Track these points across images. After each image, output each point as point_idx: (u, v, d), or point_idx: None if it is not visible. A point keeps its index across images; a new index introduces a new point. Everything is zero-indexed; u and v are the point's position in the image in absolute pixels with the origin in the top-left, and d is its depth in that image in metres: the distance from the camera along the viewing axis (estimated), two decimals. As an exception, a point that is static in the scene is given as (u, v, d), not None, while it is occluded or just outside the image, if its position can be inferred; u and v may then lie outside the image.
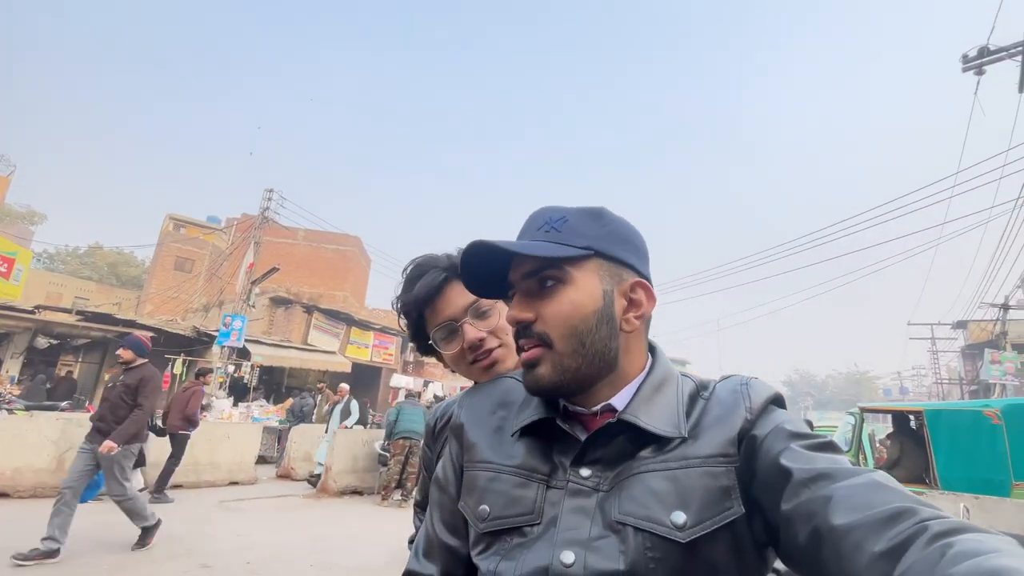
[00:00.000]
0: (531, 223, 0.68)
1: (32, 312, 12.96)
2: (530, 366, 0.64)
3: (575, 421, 0.65)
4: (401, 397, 11.26)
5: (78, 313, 13.89)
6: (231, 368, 13.33)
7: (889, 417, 6.84)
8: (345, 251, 26.26)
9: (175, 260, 29.66)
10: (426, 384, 16.35)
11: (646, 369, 0.67)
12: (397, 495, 7.36)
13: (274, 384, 17.28)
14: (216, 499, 6.56)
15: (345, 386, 9.49)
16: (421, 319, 0.95)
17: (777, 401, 0.62)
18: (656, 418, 0.60)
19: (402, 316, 0.98)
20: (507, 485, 0.63)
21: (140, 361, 4.39)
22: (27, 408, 7.75)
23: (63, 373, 13.75)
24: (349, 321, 19.05)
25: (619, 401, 0.63)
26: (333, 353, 17.54)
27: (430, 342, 0.96)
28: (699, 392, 0.65)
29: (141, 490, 6.36)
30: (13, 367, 12.70)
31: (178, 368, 13.14)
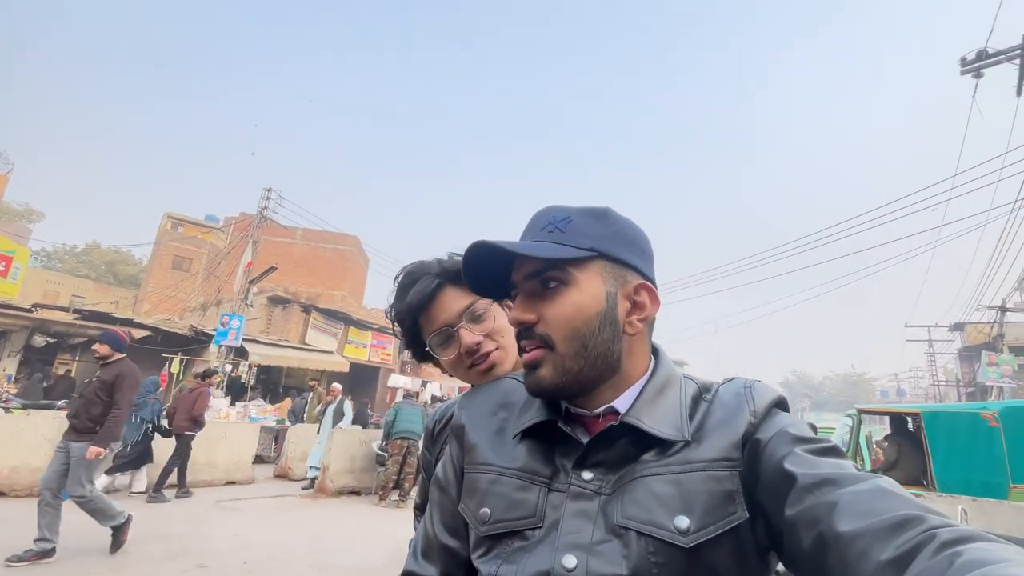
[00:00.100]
0: (534, 223, 0.67)
1: (29, 310, 12.92)
2: (532, 367, 0.64)
3: (577, 423, 0.65)
4: (399, 397, 11.25)
5: (75, 312, 13.85)
6: (228, 367, 13.30)
7: (886, 419, 6.85)
8: (343, 251, 26.24)
9: (173, 259, 29.59)
10: (424, 384, 16.32)
11: (649, 371, 0.66)
12: (395, 495, 7.35)
13: (271, 384, 17.24)
14: (213, 499, 6.54)
15: (337, 386, 9.24)
16: (416, 326, 0.95)
17: (781, 404, 0.62)
18: (659, 421, 0.60)
19: (396, 324, 0.98)
20: (508, 488, 0.62)
21: (117, 356, 4.22)
22: (24, 407, 7.74)
23: (61, 372, 13.71)
24: (347, 321, 19.03)
25: (622, 404, 0.63)
26: (331, 353, 17.52)
27: (426, 349, 0.95)
28: (702, 395, 0.64)
29: (142, 492, 6.42)
30: (10, 365, 12.66)
31: (175, 367, 13.11)
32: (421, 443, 1.10)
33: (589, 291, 0.62)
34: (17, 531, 4.03)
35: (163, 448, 6.60)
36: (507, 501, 0.61)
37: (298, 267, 24.16)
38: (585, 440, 0.61)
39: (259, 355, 14.24)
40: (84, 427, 3.96)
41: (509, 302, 0.99)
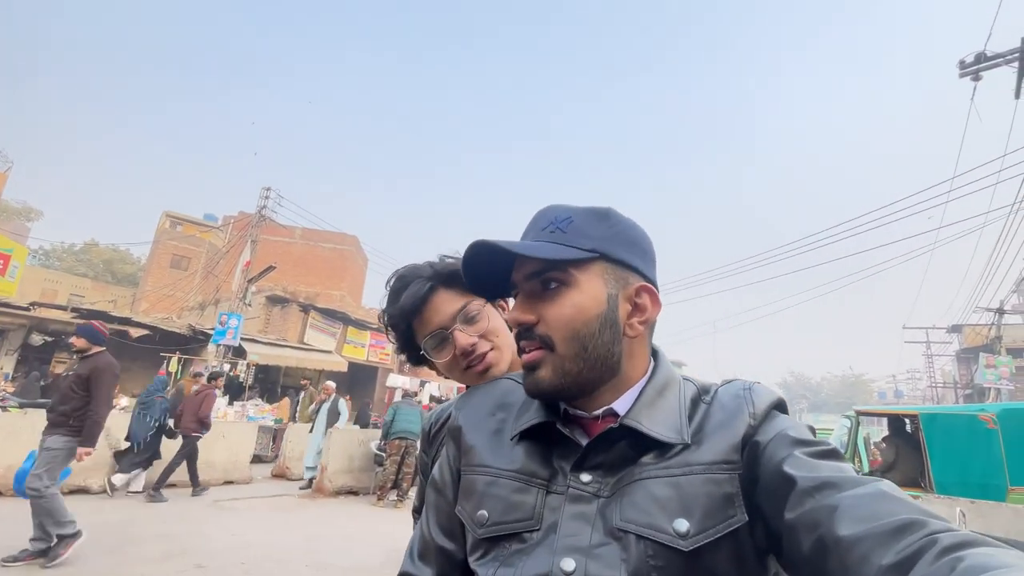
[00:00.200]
0: (536, 222, 0.66)
1: (27, 309, 12.89)
2: (531, 368, 0.63)
3: (576, 425, 0.64)
4: (398, 397, 11.23)
5: (73, 310, 13.82)
6: (227, 367, 13.27)
7: (884, 420, 6.86)
8: (342, 250, 26.22)
9: (171, 258, 29.55)
10: (422, 384, 16.32)
11: (648, 373, 0.66)
12: (393, 495, 7.34)
13: (269, 383, 17.21)
14: (211, 498, 6.53)
15: (331, 384, 9.11)
16: (410, 330, 0.94)
17: (780, 407, 0.62)
18: (658, 423, 0.59)
19: (390, 329, 0.97)
20: (506, 490, 0.62)
21: (96, 349, 4.08)
22: (21, 405, 7.72)
23: (59, 371, 13.68)
24: (346, 320, 19.01)
25: (621, 406, 0.62)
26: (329, 352, 17.51)
27: (422, 352, 0.95)
28: (701, 397, 0.64)
29: (139, 492, 6.42)
30: (7, 364, 12.63)
31: (173, 366, 13.08)
32: (419, 444, 1.10)
33: (590, 293, 0.62)
34: (14, 531, 4.02)
35: (167, 447, 6.66)
36: (505, 503, 0.61)
37: (297, 266, 24.14)
38: (584, 442, 0.61)
39: (257, 354, 14.22)
40: (56, 420, 3.81)
41: (503, 302, 0.98)
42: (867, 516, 0.45)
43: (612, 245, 0.64)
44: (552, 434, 0.63)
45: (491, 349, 0.91)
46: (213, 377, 7.60)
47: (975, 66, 8.28)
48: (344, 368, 16.76)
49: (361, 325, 19.29)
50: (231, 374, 13.44)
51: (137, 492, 6.34)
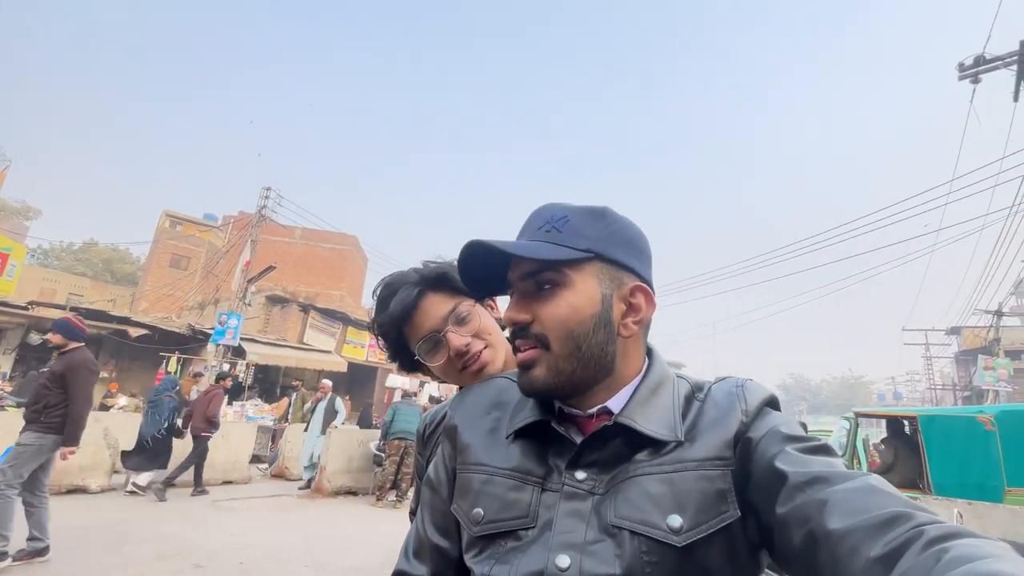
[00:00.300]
0: (532, 221, 0.67)
1: (25, 308, 12.89)
2: (525, 367, 0.64)
3: (570, 423, 0.65)
4: (397, 397, 11.21)
5: (72, 309, 13.80)
6: (226, 366, 13.27)
7: (883, 422, 6.87)
8: (342, 250, 26.23)
9: (171, 257, 29.54)
10: (422, 385, 16.32)
11: (642, 372, 0.66)
12: (392, 496, 7.33)
13: (268, 383, 17.21)
14: (210, 498, 6.52)
15: (327, 383, 9.01)
16: (401, 337, 0.94)
17: (772, 403, 0.62)
18: (652, 421, 0.60)
19: (380, 338, 0.96)
20: (501, 488, 0.62)
21: (73, 345, 3.94)
22: (19, 405, 7.69)
23: (56, 370, 13.65)
24: (345, 320, 19.02)
25: (615, 404, 0.63)
26: (329, 352, 17.51)
27: (415, 358, 0.95)
28: (694, 394, 0.64)
29: (138, 488, 6.39)
30: (5, 363, 12.62)
31: (172, 366, 13.08)
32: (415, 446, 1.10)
33: (584, 293, 0.62)
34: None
35: (185, 451, 6.78)
36: (500, 501, 0.61)
37: (296, 266, 24.14)
38: (579, 440, 0.62)
39: (257, 354, 14.22)
40: (29, 417, 3.74)
41: (491, 301, 0.98)
42: (856, 510, 0.45)
43: (607, 245, 0.64)
44: (547, 432, 0.64)
45: (485, 347, 0.91)
46: (221, 377, 7.75)
47: (974, 69, 8.31)
48: (344, 368, 16.77)
49: (361, 325, 19.28)
50: (230, 374, 13.44)
51: (136, 492, 6.33)
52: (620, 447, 0.60)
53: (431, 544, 0.70)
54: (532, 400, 0.66)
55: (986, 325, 17.74)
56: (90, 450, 6.21)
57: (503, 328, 0.98)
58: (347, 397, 16.13)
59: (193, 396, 7.95)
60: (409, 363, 0.97)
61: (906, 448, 5.69)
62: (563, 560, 0.55)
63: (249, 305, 14.94)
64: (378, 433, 8.24)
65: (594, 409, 0.64)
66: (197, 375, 9.62)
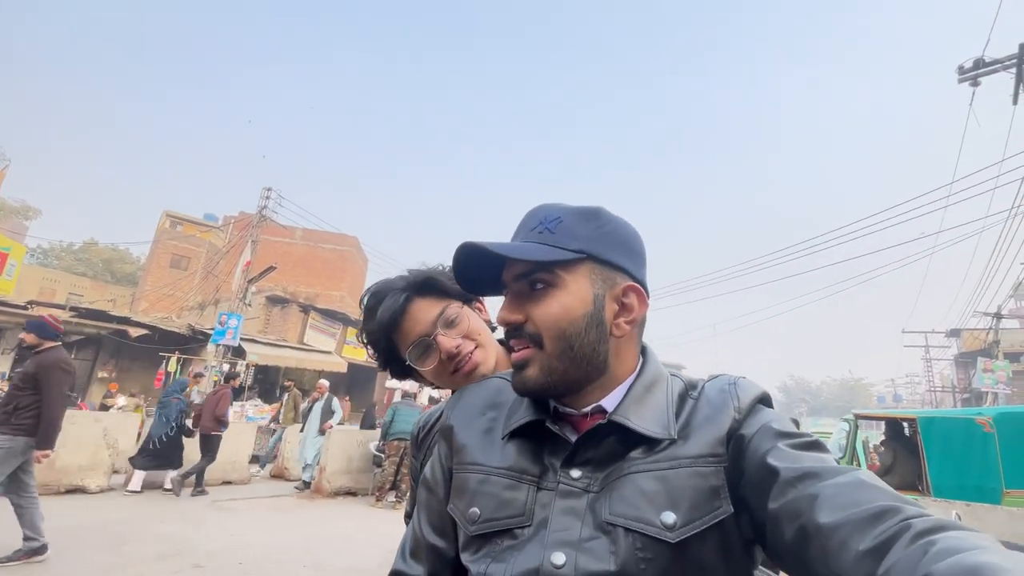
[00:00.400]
0: (526, 222, 0.68)
1: (25, 307, 12.90)
2: (519, 367, 0.64)
3: (565, 422, 0.66)
4: (397, 397, 11.21)
5: (72, 309, 13.83)
6: (226, 367, 13.27)
7: (883, 424, 6.88)
8: (342, 251, 26.25)
9: (171, 257, 29.55)
10: (422, 385, 16.30)
11: (637, 371, 0.67)
12: (391, 496, 7.33)
13: (268, 383, 17.22)
14: (209, 498, 6.52)
15: (325, 383, 8.94)
16: (391, 344, 0.94)
17: (764, 400, 0.63)
18: (646, 419, 0.61)
19: (370, 346, 0.96)
20: (497, 487, 0.63)
21: (48, 344, 3.80)
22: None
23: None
24: (346, 321, 19.02)
25: (609, 403, 0.64)
26: (329, 353, 17.51)
27: (407, 364, 0.94)
28: (688, 392, 0.65)
29: (169, 489, 6.54)
30: (4, 363, 12.63)
31: (172, 366, 13.08)
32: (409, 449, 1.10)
33: (576, 293, 0.63)
34: (12, 530, 4.02)
35: (194, 450, 6.92)
36: (496, 500, 0.62)
37: (297, 267, 24.15)
38: (573, 439, 0.62)
39: (257, 355, 14.23)
40: (3, 419, 3.61)
41: (479, 303, 0.99)
42: (846, 504, 0.46)
43: (600, 245, 0.64)
44: (542, 432, 0.64)
45: (476, 348, 0.91)
46: (230, 377, 7.93)
47: (973, 71, 8.33)
48: (344, 369, 16.78)
49: (360, 326, 19.27)
50: (238, 374, 13.46)
51: (136, 491, 6.35)
52: (614, 445, 0.61)
53: (428, 544, 0.70)
54: (527, 400, 0.67)
55: (985, 327, 17.75)
56: (89, 450, 6.22)
57: (492, 329, 0.99)
58: (347, 398, 16.15)
59: (194, 397, 7.95)
60: (401, 369, 0.97)
61: (905, 450, 5.70)
62: (559, 557, 0.55)
63: (249, 305, 14.95)
64: (375, 433, 8.24)
65: (588, 408, 0.64)
66: (197, 375, 9.61)
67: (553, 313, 0.62)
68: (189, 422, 7.00)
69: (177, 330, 14.67)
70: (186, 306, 22.41)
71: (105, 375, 14.50)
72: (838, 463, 0.54)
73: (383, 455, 7.45)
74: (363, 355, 19.31)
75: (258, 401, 13.40)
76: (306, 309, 17.92)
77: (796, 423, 0.61)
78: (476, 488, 0.64)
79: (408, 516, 0.97)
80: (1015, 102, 8.03)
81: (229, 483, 7.52)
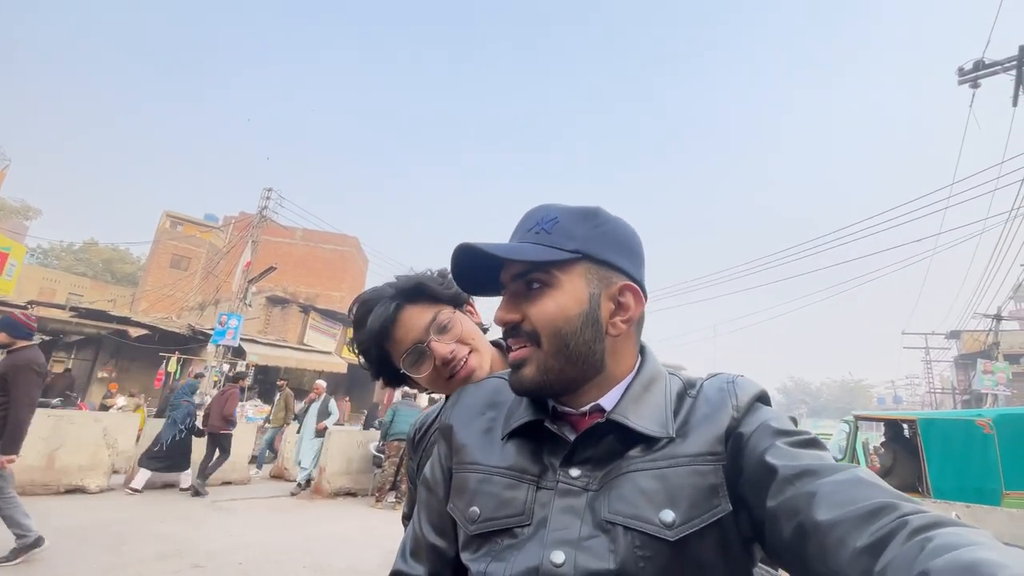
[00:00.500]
0: (524, 223, 0.68)
1: (25, 307, 12.89)
2: (516, 367, 0.65)
3: (564, 422, 0.66)
4: (397, 398, 11.19)
5: (72, 309, 13.83)
6: (226, 367, 13.27)
7: (883, 425, 6.88)
8: (343, 251, 26.26)
9: (171, 258, 29.56)
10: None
11: (635, 370, 0.67)
12: (391, 497, 7.32)
13: (268, 384, 17.22)
14: (209, 499, 6.52)
15: (322, 383, 8.79)
16: (383, 353, 0.93)
17: (763, 398, 0.63)
18: (644, 418, 0.61)
19: (362, 356, 0.95)
20: (497, 487, 0.63)
21: (21, 344, 3.63)
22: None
23: (60, 370, 13.67)
24: (346, 322, 18.94)
25: (607, 401, 0.64)
26: (329, 354, 17.51)
27: (399, 372, 0.93)
28: (686, 390, 0.66)
29: (186, 488, 6.63)
30: (5, 363, 12.60)
31: (172, 366, 13.08)
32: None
33: (572, 293, 0.63)
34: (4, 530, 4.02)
35: (200, 450, 7.04)
36: (496, 500, 0.62)
37: (297, 267, 24.17)
38: (572, 438, 0.63)
39: (257, 355, 14.23)
40: None
41: (470, 307, 0.99)
42: (843, 501, 0.46)
43: (596, 245, 0.65)
44: (542, 431, 0.65)
45: (470, 352, 0.91)
46: (238, 377, 8.15)
47: (974, 73, 8.34)
48: (344, 369, 16.77)
49: (360, 326, 19.27)
50: (230, 374, 13.45)
51: (137, 490, 6.36)
52: (613, 444, 0.61)
53: (428, 544, 0.70)
54: (526, 400, 0.67)
55: (985, 329, 17.75)
56: (89, 450, 6.22)
57: (484, 331, 0.99)
58: (347, 398, 16.16)
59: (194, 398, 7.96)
60: (394, 378, 0.96)
61: (905, 451, 5.70)
62: (558, 556, 0.55)
63: (249, 306, 14.96)
64: (374, 433, 8.22)
65: (587, 407, 0.65)
66: (198, 376, 9.61)
67: (549, 312, 0.63)
68: (199, 423, 7.12)
69: (177, 330, 14.67)
70: (186, 306, 22.42)
71: (105, 375, 14.50)
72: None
73: (383, 456, 7.45)
74: (363, 356, 19.31)
75: (258, 401, 13.39)
76: (306, 309, 17.93)
77: (795, 421, 0.62)
78: (476, 487, 0.65)
79: (406, 518, 0.96)
80: (1015, 104, 8.04)
81: (229, 483, 7.51)
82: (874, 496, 0.46)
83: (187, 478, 6.80)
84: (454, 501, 0.67)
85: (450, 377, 0.90)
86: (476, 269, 0.67)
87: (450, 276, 0.96)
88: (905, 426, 5.96)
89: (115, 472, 6.61)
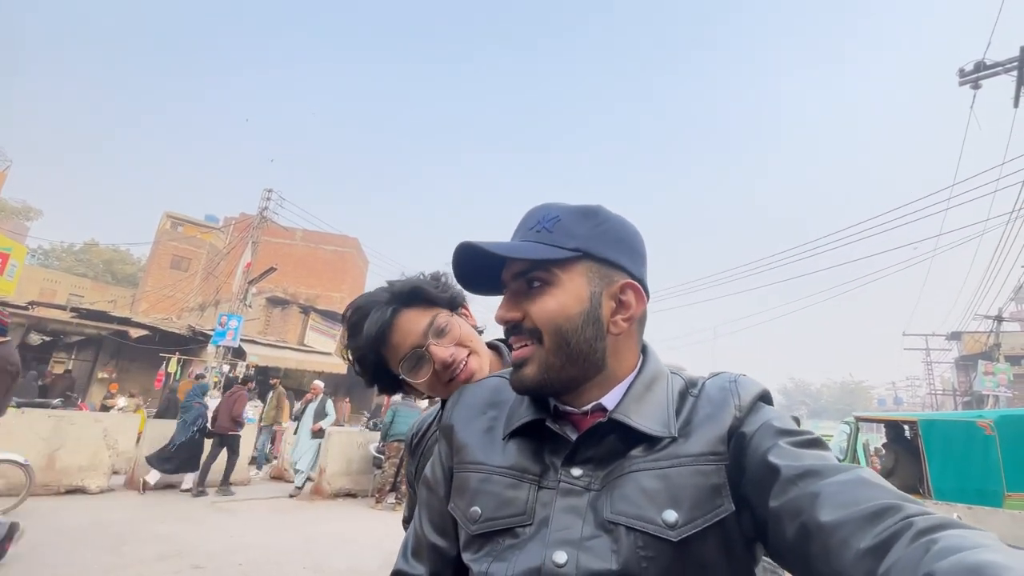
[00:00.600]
0: (525, 221, 0.68)
1: (26, 308, 12.91)
2: (518, 366, 0.65)
3: (566, 421, 0.66)
4: (397, 398, 11.17)
5: (72, 310, 13.83)
6: (226, 368, 13.27)
7: (883, 427, 6.87)
8: (343, 252, 26.28)
9: (172, 258, 29.58)
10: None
11: (637, 369, 0.67)
12: (391, 498, 7.32)
13: (268, 385, 17.21)
14: (209, 499, 6.52)
15: (319, 384, 8.70)
16: (380, 358, 0.91)
17: (765, 398, 0.63)
18: (646, 417, 0.61)
19: (356, 363, 0.93)
20: (498, 486, 0.63)
21: None
22: (18, 405, 7.70)
23: (61, 371, 13.67)
24: (346, 323, 19.01)
25: (609, 401, 0.64)
26: (329, 354, 17.50)
27: (396, 378, 0.92)
28: (688, 390, 0.65)
29: (187, 489, 6.66)
30: (5, 364, 12.60)
31: (172, 367, 13.07)
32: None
33: (573, 291, 0.63)
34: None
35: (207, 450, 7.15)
36: (497, 499, 0.62)
37: (297, 268, 24.18)
38: (574, 437, 0.62)
39: (257, 356, 14.23)
40: None
41: (464, 309, 0.99)
42: (847, 502, 0.46)
43: (597, 244, 0.64)
44: (543, 431, 0.64)
45: (470, 355, 0.90)
46: (246, 380, 8.37)
47: (974, 74, 8.34)
48: (344, 370, 16.74)
49: (361, 327, 19.26)
50: (231, 375, 13.44)
51: (150, 486, 6.50)
52: (615, 443, 0.61)
53: (429, 543, 0.70)
54: (527, 399, 0.67)
55: (986, 330, 17.74)
56: (89, 451, 6.22)
57: (479, 333, 0.99)
58: (347, 399, 16.16)
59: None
60: (391, 384, 0.94)
61: (906, 453, 5.70)
62: (560, 556, 0.55)
63: (250, 307, 14.96)
64: (374, 434, 8.21)
65: (588, 406, 0.65)
66: (199, 377, 9.62)
67: (549, 310, 0.63)
68: (209, 424, 7.20)
69: (177, 331, 14.67)
70: (186, 307, 22.42)
71: (105, 376, 14.50)
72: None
73: (383, 456, 7.44)
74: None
75: (258, 402, 13.36)
76: (306, 310, 17.94)
77: (797, 421, 0.61)
78: (477, 487, 0.64)
79: (406, 522, 0.96)
80: (1016, 105, 8.04)
81: (229, 484, 7.51)
82: (878, 497, 0.46)
83: (189, 479, 6.83)
84: (455, 501, 0.67)
85: (449, 381, 0.89)
86: (477, 268, 0.67)
87: (444, 279, 0.96)
88: (906, 427, 5.95)
89: (115, 473, 6.61)
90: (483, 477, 0.64)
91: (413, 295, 0.91)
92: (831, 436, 9.09)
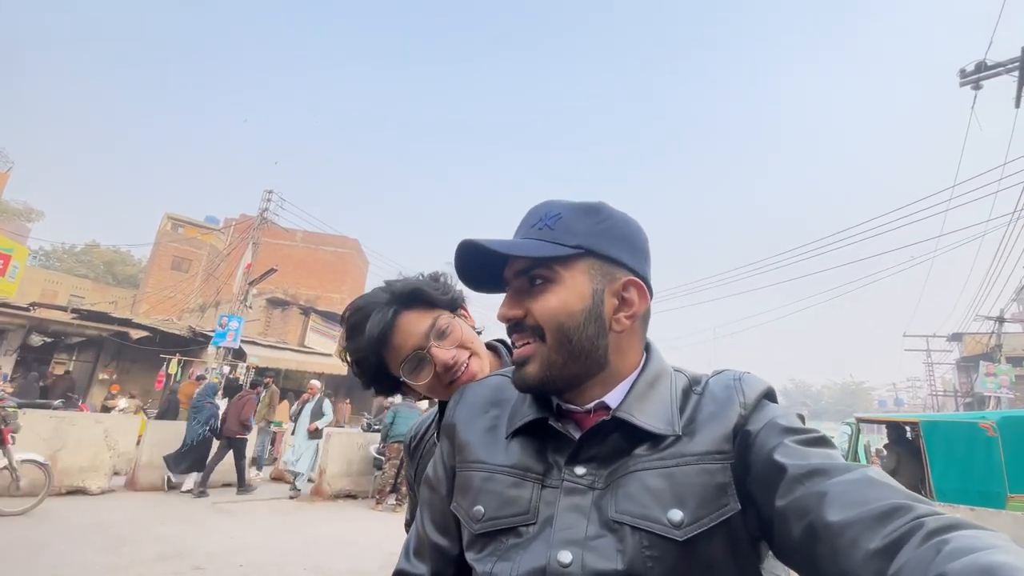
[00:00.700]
0: (527, 219, 0.68)
1: (27, 309, 12.92)
2: (520, 364, 0.64)
3: (569, 420, 0.65)
4: (398, 399, 11.16)
5: (73, 311, 13.84)
6: (226, 369, 13.27)
7: (884, 428, 6.86)
8: (343, 253, 26.30)
9: (172, 260, 29.60)
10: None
11: (640, 366, 0.66)
12: (392, 499, 7.31)
13: (263, 385, 17.20)
14: (210, 500, 6.51)
15: (316, 383, 8.64)
16: (380, 360, 0.90)
17: (770, 395, 0.63)
18: (650, 415, 0.60)
19: (356, 365, 0.91)
20: (501, 485, 0.62)
21: None
22: (19, 406, 7.70)
23: (62, 372, 13.68)
24: (346, 324, 19.03)
25: (612, 399, 0.63)
26: (330, 355, 17.50)
27: (396, 380, 0.91)
28: (692, 388, 0.65)
29: (189, 490, 6.70)
30: (6, 364, 12.63)
31: (173, 368, 13.08)
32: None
33: (575, 289, 0.63)
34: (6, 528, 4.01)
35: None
36: (500, 499, 0.61)
37: (298, 269, 24.20)
38: (577, 436, 0.62)
39: (257, 357, 14.23)
40: None
41: (464, 311, 0.99)
42: (855, 502, 0.45)
43: (599, 241, 0.64)
44: (546, 429, 0.64)
45: (471, 356, 0.90)
46: (255, 384, 8.56)
47: (976, 75, 8.34)
48: (344, 371, 16.74)
49: (361, 328, 19.27)
50: (231, 376, 13.44)
51: (189, 491, 6.63)
52: (619, 442, 0.60)
53: (431, 543, 0.70)
54: (530, 398, 0.67)
55: (988, 331, 17.71)
56: (90, 452, 6.22)
57: (479, 334, 0.98)
58: (347, 400, 16.16)
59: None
60: (390, 386, 0.94)
61: (908, 454, 5.69)
62: (565, 556, 0.55)
63: (250, 308, 14.97)
64: (375, 435, 8.20)
65: (591, 404, 0.64)
66: (199, 378, 9.62)
67: (551, 307, 0.62)
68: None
69: (178, 332, 14.68)
70: (187, 308, 22.44)
71: (106, 377, 14.51)
72: None
73: (383, 458, 7.43)
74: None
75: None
76: (307, 311, 17.94)
77: (802, 418, 0.61)
78: (480, 486, 0.64)
79: (408, 524, 0.96)
80: (1017, 105, 8.04)
81: (229, 485, 7.50)
82: (887, 497, 0.45)
83: (190, 480, 6.87)
84: (458, 500, 0.67)
85: (450, 383, 0.89)
86: (480, 266, 0.67)
87: (444, 280, 0.96)
88: (908, 428, 5.94)
89: (116, 474, 6.61)
90: (486, 476, 0.64)
91: (414, 296, 0.91)
92: (832, 437, 9.09)
